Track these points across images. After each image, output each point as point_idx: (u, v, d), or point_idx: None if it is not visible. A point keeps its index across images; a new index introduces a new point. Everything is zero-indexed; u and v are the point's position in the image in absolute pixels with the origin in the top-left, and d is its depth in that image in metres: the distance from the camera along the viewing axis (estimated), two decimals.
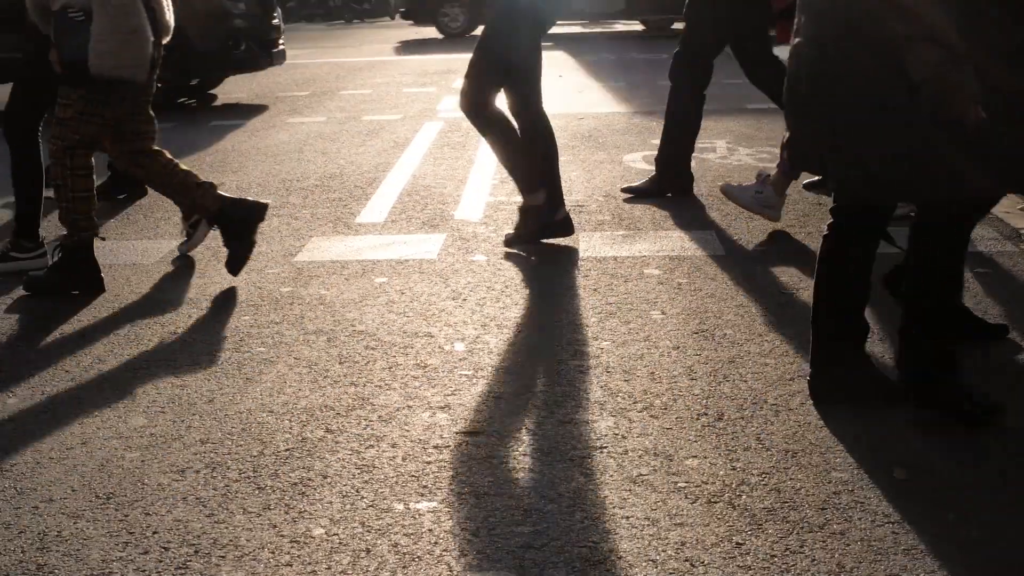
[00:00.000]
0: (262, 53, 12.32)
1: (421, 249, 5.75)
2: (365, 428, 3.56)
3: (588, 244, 5.74)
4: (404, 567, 2.74)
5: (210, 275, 5.38)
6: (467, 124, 10.12)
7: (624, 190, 6.94)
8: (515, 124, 5.58)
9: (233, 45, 11.95)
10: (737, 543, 2.80)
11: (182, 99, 12.41)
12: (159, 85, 5.46)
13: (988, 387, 3.73)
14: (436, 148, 8.92)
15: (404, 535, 2.89)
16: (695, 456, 3.30)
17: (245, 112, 11.65)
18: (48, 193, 5.45)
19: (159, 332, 4.56)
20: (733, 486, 3.10)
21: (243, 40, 12.04)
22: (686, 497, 3.05)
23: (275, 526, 2.95)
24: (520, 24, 5.45)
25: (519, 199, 6.91)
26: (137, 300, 5.01)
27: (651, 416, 3.59)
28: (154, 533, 2.93)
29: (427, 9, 22.20)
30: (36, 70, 5.30)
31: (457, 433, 3.50)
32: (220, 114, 11.56)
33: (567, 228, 5.74)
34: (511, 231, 5.76)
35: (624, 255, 5.52)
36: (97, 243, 5.21)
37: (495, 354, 4.20)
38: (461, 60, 17.31)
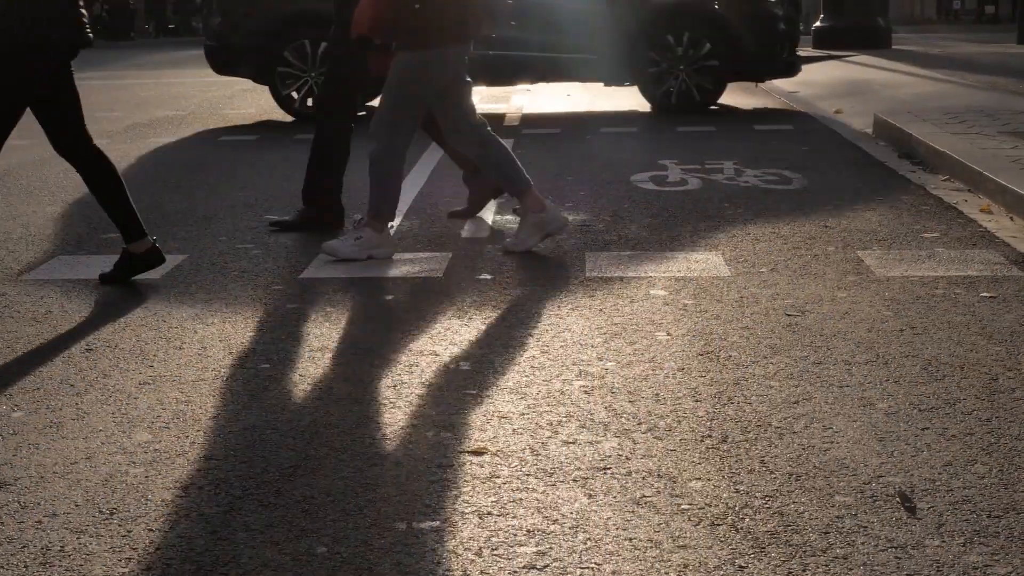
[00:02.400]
0: (797, 60, 12.43)
1: (427, 267, 5.76)
2: (369, 446, 3.56)
3: (594, 264, 5.75)
4: None
5: (216, 291, 5.39)
6: None
7: (271, 223, 6.75)
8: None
9: (779, 50, 12.08)
10: (740, 566, 2.80)
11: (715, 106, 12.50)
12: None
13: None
14: (443, 167, 8.93)
15: (407, 554, 2.88)
16: (699, 478, 3.29)
17: (253, 128, 11.69)
18: None
19: (164, 347, 4.57)
20: (736, 509, 3.10)
21: (786, 45, 12.16)
22: (689, 519, 3.04)
23: (277, 544, 2.95)
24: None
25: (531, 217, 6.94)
26: (142, 315, 5.02)
27: (655, 437, 3.59)
28: (157, 549, 2.93)
29: None
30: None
31: (461, 452, 3.50)
32: (229, 129, 11.60)
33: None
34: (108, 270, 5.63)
35: (630, 275, 5.52)
36: (103, 257, 5.21)
37: (500, 373, 4.20)
38: None
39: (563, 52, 11.91)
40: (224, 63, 12.24)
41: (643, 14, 11.83)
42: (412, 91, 5.79)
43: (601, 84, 12.41)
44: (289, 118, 12.25)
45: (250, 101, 14.44)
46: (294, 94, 11.94)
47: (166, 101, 14.84)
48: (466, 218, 6.91)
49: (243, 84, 17.17)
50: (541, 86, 16.01)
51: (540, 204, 5.98)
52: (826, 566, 2.79)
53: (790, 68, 12.28)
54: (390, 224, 6.08)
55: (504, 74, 12.14)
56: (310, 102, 11.87)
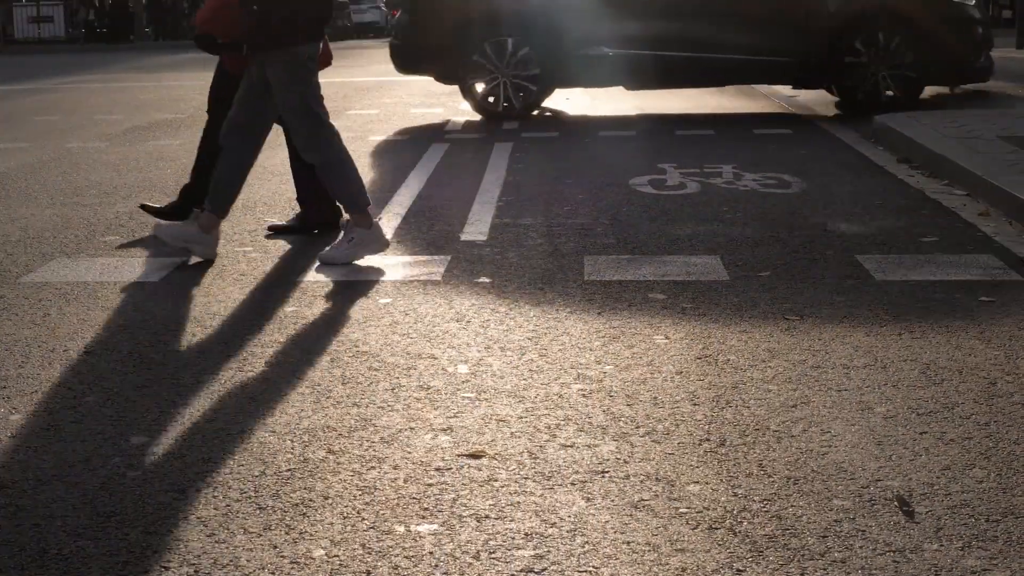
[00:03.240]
0: (991, 64, 12.24)
1: (426, 270, 5.76)
2: (367, 449, 3.56)
3: (593, 267, 5.75)
4: None
5: (214, 294, 5.39)
6: (474, 146, 10.17)
7: (271, 228, 6.80)
8: None
9: (976, 54, 11.93)
10: (738, 570, 2.79)
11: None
12: None
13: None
14: (442, 169, 8.93)
15: (405, 557, 2.88)
16: (697, 482, 3.29)
17: None
18: None
19: (162, 350, 4.57)
20: (734, 512, 3.10)
21: (982, 49, 11.99)
22: (687, 523, 3.04)
23: (275, 547, 2.95)
24: None
25: (526, 221, 6.95)
26: (140, 318, 5.02)
27: (653, 441, 3.59)
28: (154, 552, 2.93)
29: None
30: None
31: (459, 455, 3.50)
32: None
33: None
34: None
35: (629, 279, 5.52)
36: (101, 260, 5.21)
37: (498, 376, 4.20)
38: None
39: (754, 54, 11.81)
40: (410, 62, 12.31)
41: (839, 15, 11.70)
42: (302, 89, 5.79)
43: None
44: (477, 116, 12.36)
45: None
46: (488, 95, 12.09)
47: (165, 104, 14.84)
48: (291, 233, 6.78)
49: None
50: None
51: (213, 226, 5.97)
52: (824, 570, 2.78)
53: (985, 72, 12.12)
54: (377, 218, 6.06)
55: (689, 76, 12.10)
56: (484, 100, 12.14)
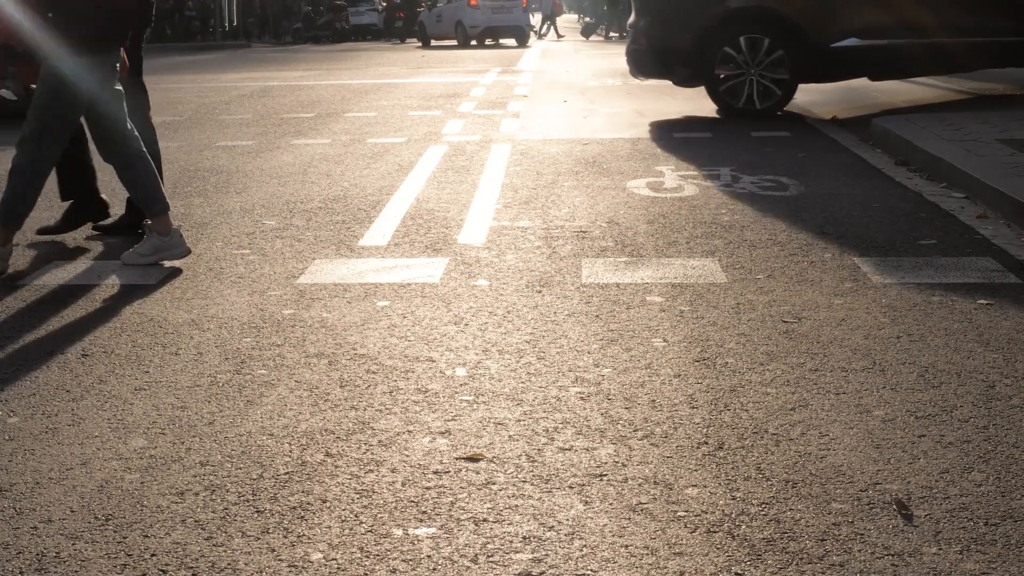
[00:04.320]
0: None
1: (424, 273, 5.76)
2: (365, 452, 3.56)
3: (591, 270, 5.75)
4: None
5: (212, 296, 5.38)
6: (471, 148, 10.17)
7: (95, 227, 6.91)
8: None
9: None
10: (736, 573, 2.79)
11: None
12: None
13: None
14: (440, 172, 8.93)
15: (402, 561, 2.88)
16: (695, 485, 3.29)
17: (250, 133, 11.68)
18: None
19: (160, 353, 4.56)
20: (733, 516, 3.10)
21: None
22: (686, 526, 3.04)
23: (273, 550, 2.94)
24: None
25: (523, 223, 6.96)
26: (139, 320, 5.01)
27: (651, 444, 3.59)
28: (152, 555, 2.92)
29: None
30: None
31: (457, 459, 3.50)
32: (225, 135, 11.59)
33: None
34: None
35: (626, 282, 5.52)
36: (99, 263, 5.21)
37: (496, 380, 4.20)
38: (467, 84, 17.46)
39: (1004, 36, 11.58)
40: (651, 67, 12.24)
41: None
42: (60, 101, 5.73)
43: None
44: (713, 114, 12.33)
45: (247, 107, 14.44)
46: (736, 93, 11.97)
47: (163, 106, 14.83)
48: (56, 233, 6.80)
49: (240, 89, 17.17)
50: (538, 90, 16.03)
51: (167, 228, 5.95)
52: (823, 573, 2.78)
53: None
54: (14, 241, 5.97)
55: (937, 63, 11.88)
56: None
